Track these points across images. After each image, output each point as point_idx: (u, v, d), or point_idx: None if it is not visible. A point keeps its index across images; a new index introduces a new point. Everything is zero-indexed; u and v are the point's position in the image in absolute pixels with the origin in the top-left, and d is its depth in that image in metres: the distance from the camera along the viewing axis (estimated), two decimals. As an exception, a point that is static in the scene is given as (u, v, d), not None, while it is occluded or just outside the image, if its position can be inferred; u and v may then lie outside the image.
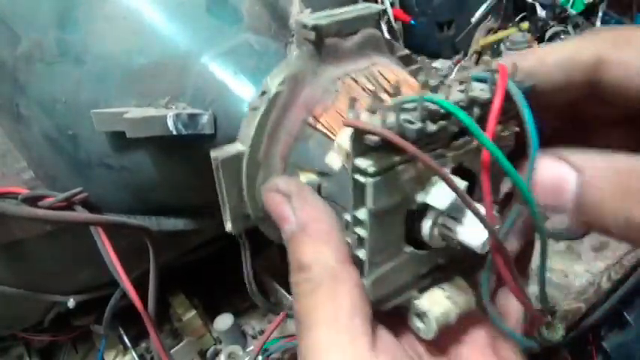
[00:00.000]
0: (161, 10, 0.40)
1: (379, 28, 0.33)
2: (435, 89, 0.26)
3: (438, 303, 0.29)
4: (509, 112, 0.27)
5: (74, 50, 0.40)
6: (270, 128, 0.32)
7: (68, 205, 0.44)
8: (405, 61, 0.36)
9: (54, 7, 0.40)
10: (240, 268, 0.41)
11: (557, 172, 0.25)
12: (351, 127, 0.24)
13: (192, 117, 0.38)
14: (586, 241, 0.81)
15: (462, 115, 0.24)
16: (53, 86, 0.41)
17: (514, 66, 0.26)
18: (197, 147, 0.39)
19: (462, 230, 0.26)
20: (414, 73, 0.33)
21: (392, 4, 0.71)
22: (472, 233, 0.26)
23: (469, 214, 0.26)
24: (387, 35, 0.69)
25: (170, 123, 0.38)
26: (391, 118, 0.24)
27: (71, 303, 0.57)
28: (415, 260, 0.29)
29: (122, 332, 0.70)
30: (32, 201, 0.43)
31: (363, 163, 0.24)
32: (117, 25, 0.40)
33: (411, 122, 0.24)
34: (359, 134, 0.24)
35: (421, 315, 0.29)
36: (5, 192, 0.44)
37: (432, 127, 0.25)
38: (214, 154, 0.32)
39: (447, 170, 0.25)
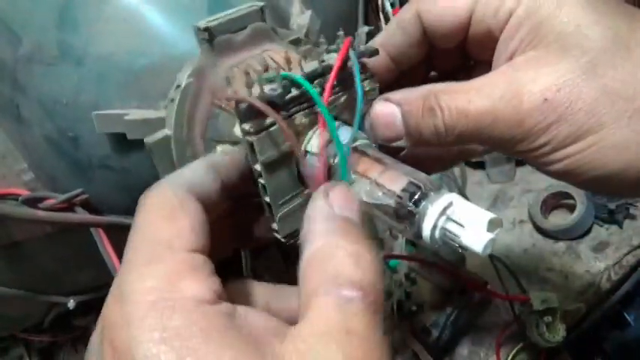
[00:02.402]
0: (161, 11, 0.40)
1: (265, 20, 0.39)
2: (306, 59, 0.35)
3: None
4: (367, 72, 0.35)
5: (74, 51, 0.40)
6: (187, 113, 0.38)
7: (69, 206, 0.44)
8: (296, 44, 0.42)
9: (54, 9, 0.40)
10: (241, 268, 0.41)
11: (386, 111, 0.34)
12: (229, 100, 0.33)
13: (193, 118, 0.38)
14: (586, 241, 0.81)
15: (304, 84, 0.31)
16: (54, 87, 0.41)
17: (356, 37, 0.33)
18: (198, 149, 0.39)
19: (465, 234, 0.26)
20: (305, 53, 0.38)
21: (392, 5, 0.71)
22: (475, 237, 0.26)
23: (471, 217, 0.26)
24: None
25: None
26: (258, 89, 0.31)
27: (71, 304, 0.57)
28: None
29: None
30: (33, 202, 0.43)
31: (246, 126, 0.31)
32: (117, 27, 0.40)
33: (274, 90, 0.31)
34: (237, 105, 0.30)
35: None
36: (6, 193, 0.44)
37: (295, 92, 0.31)
38: (147, 139, 0.38)
39: (284, 121, 0.31)
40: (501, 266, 0.76)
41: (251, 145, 0.31)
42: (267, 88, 0.31)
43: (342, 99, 0.35)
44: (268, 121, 0.31)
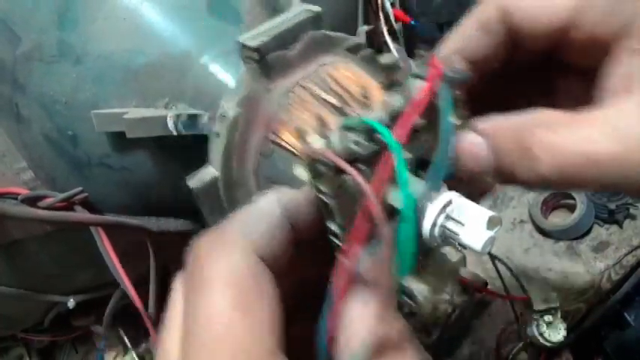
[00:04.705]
0: (161, 10, 0.40)
1: (321, 28, 0.33)
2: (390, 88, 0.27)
3: (425, 282, 0.28)
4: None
5: (74, 50, 0.40)
6: (237, 149, 0.33)
7: (68, 205, 0.44)
8: (354, 51, 0.36)
9: (53, 8, 0.40)
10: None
11: (471, 141, 0.27)
12: (307, 155, 0.25)
13: (193, 117, 0.38)
14: (586, 241, 0.81)
15: (385, 134, 0.24)
16: (53, 86, 0.41)
17: (450, 58, 0.27)
18: (197, 147, 0.38)
19: (464, 232, 0.26)
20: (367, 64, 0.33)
21: (392, 5, 0.71)
22: (474, 235, 0.26)
23: (470, 215, 0.26)
24: (387, 37, 0.69)
25: (170, 123, 0.38)
26: (337, 141, 0.24)
27: (71, 303, 0.56)
28: None
29: (122, 333, 0.70)
30: (32, 201, 0.43)
31: (321, 186, 0.25)
32: (116, 25, 0.40)
33: (357, 143, 0.25)
34: (312, 162, 0.25)
35: (409, 294, 0.29)
36: (5, 192, 0.44)
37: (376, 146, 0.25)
38: (191, 183, 0.33)
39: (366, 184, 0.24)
40: (501, 266, 0.76)
41: (326, 205, 0.26)
42: (349, 141, 0.25)
43: (425, 137, 0.28)
44: (344, 176, 0.25)
